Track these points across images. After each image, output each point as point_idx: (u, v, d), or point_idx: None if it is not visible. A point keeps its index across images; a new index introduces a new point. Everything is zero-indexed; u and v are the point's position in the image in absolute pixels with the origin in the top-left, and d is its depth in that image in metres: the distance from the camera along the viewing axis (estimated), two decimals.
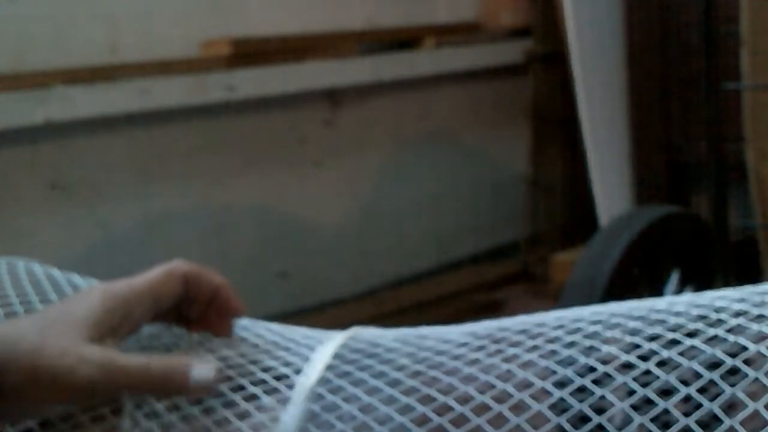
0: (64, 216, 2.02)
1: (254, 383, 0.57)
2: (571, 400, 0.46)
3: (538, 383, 0.47)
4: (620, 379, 0.47)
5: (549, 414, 0.45)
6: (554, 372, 0.48)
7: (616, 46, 2.19)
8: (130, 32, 2.12)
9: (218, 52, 2.20)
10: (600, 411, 0.46)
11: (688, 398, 0.46)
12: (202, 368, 0.56)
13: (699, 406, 0.44)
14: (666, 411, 0.45)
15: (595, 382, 0.47)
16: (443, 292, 2.57)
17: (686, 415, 0.43)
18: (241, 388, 0.58)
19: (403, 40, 2.58)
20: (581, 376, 0.48)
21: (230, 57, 2.19)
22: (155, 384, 0.55)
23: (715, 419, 0.43)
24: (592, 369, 0.49)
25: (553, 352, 0.51)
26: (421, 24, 2.63)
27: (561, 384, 0.48)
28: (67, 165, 2.02)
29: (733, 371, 0.46)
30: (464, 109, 2.75)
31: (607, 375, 0.48)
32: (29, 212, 1.98)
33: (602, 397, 0.47)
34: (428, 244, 2.67)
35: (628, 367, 0.48)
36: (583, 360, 0.48)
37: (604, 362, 0.49)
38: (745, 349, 0.47)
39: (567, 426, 0.43)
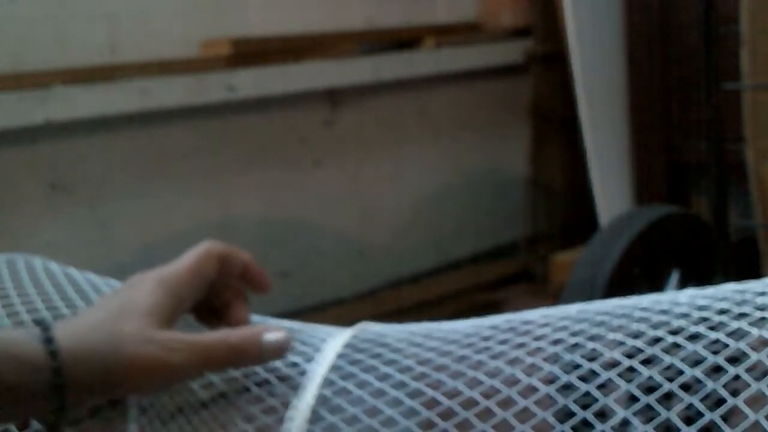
0: (64, 216, 2.02)
1: (267, 370, 0.58)
2: (578, 383, 0.46)
3: (545, 367, 0.47)
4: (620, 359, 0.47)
5: (554, 394, 0.46)
6: (557, 360, 0.48)
7: (616, 46, 2.19)
8: (130, 32, 2.12)
9: (218, 52, 2.20)
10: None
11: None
12: (273, 333, 0.58)
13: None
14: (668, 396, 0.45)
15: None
16: (443, 292, 2.57)
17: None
18: (254, 374, 0.58)
19: (403, 40, 2.58)
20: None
21: (230, 57, 2.19)
22: (235, 356, 0.57)
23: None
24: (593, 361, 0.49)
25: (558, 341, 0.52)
26: (421, 24, 2.63)
27: (564, 372, 0.48)
28: (67, 165, 2.02)
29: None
30: (464, 109, 2.75)
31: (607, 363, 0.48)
32: (29, 212, 1.98)
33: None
34: (428, 244, 2.67)
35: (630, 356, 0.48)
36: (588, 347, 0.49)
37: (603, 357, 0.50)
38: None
39: (574, 407, 0.44)
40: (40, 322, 0.54)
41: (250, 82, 2.21)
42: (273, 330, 0.59)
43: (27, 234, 1.97)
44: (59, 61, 2.00)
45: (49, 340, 0.52)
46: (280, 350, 0.58)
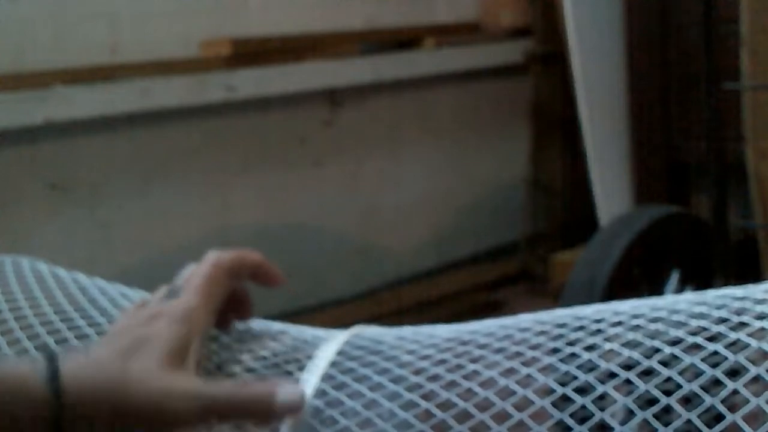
0: (64, 216, 2.02)
1: (259, 380, 0.57)
2: (574, 395, 0.46)
3: (541, 379, 0.47)
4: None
5: (551, 410, 0.46)
6: (556, 369, 0.48)
7: (616, 46, 2.19)
8: (130, 32, 2.12)
9: (218, 52, 2.20)
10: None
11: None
12: (288, 391, 0.54)
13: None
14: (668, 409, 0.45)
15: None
16: (443, 292, 2.57)
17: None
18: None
19: (403, 40, 2.58)
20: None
21: (230, 57, 2.19)
22: (244, 411, 0.54)
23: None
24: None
25: (555, 350, 0.52)
26: (421, 24, 2.63)
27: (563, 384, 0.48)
28: (67, 165, 2.02)
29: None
30: (464, 109, 2.75)
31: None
32: (29, 212, 1.97)
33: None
34: (428, 244, 2.67)
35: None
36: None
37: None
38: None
39: (570, 421, 0.43)
40: (47, 354, 0.52)
41: (250, 82, 2.20)
42: (289, 388, 0.54)
43: (27, 234, 1.97)
44: (59, 61, 2.00)
45: (53, 378, 0.51)
46: (293, 410, 0.54)
